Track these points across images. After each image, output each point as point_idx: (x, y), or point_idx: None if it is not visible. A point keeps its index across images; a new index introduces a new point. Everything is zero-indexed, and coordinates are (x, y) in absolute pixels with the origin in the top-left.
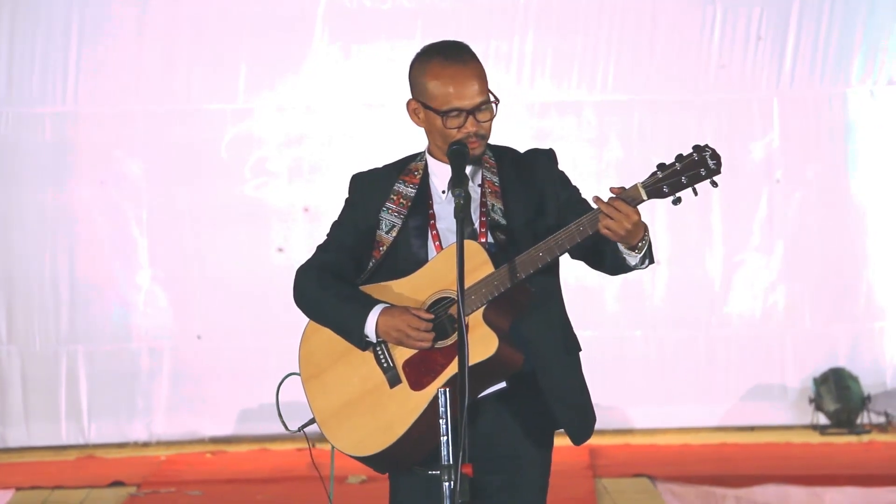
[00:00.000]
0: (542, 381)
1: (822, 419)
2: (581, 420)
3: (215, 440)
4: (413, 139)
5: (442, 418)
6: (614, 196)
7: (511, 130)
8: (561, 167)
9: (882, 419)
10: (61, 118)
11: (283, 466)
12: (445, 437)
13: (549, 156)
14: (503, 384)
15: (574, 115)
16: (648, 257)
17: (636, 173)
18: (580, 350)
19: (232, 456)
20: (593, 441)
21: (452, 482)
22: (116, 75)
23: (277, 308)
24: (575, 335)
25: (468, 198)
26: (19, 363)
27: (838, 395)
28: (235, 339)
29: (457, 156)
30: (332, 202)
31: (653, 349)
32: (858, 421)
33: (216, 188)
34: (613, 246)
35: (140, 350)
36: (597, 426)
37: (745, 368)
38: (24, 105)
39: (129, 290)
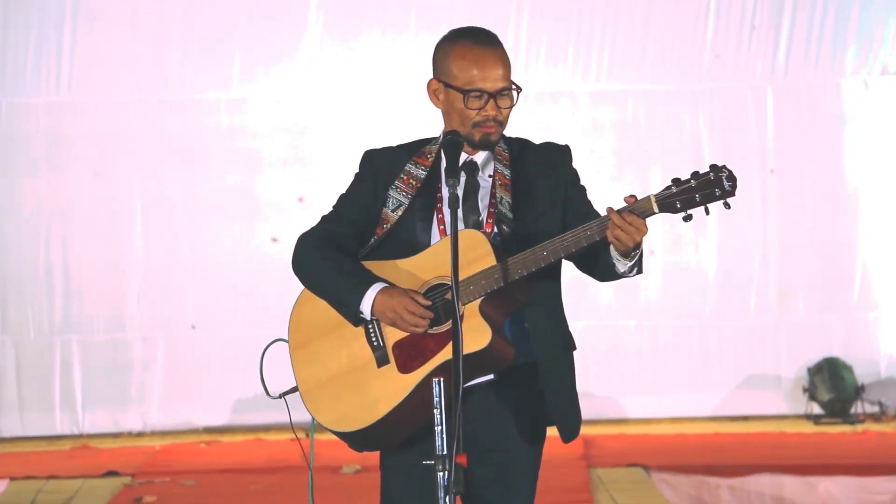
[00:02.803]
0: (542, 374)
1: (816, 409)
2: (573, 417)
3: (209, 430)
4: (409, 128)
5: (436, 408)
6: (627, 207)
7: None
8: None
9: (876, 409)
10: (55, 108)
11: (278, 457)
12: (440, 427)
13: (564, 152)
14: (491, 376)
15: (568, 104)
16: (638, 266)
17: (630, 163)
18: (575, 349)
19: (226, 446)
20: (587, 431)
21: (447, 472)
22: (110, 65)
23: (272, 298)
24: (571, 334)
25: (476, 187)
26: (13, 353)
27: (832, 384)
28: (230, 330)
29: (451, 146)
30: (326, 192)
31: (647, 339)
32: (852, 410)
33: (210, 178)
34: (606, 251)
35: (134, 340)
36: (591, 416)
37: (739, 358)
38: (17, 95)
39: (123, 280)
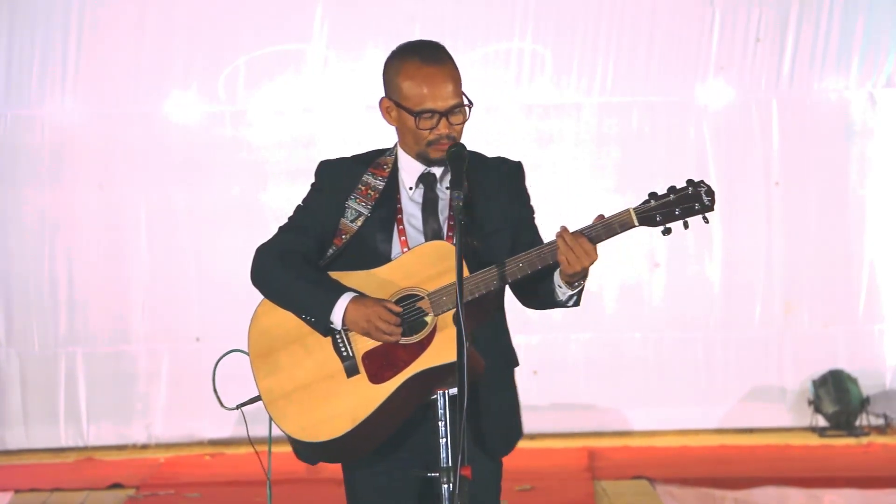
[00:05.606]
0: (480, 391)
1: (821, 421)
2: (504, 435)
3: (214, 442)
4: None
5: (441, 420)
6: (605, 220)
7: (510, 132)
8: (527, 183)
9: (881, 421)
10: (59, 120)
11: (282, 469)
12: (445, 440)
13: (517, 169)
14: (454, 389)
15: (573, 117)
16: (577, 297)
17: (635, 175)
18: (517, 365)
19: (231, 458)
20: (592, 443)
21: (452, 484)
22: (115, 77)
23: None
24: (514, 349)
25: (436, 199)
26: (18, 365)
27: (837, 397)
28: (234, 342)
29: (455, 158)
30: None
31: (651, 351)
32: (857, 423)
33: (215, 190)
34: (549, 276)
35: (139, 352)
36: (596, 428)
37: (743, 370)
38: (22, 107)
39: (128, 293)
